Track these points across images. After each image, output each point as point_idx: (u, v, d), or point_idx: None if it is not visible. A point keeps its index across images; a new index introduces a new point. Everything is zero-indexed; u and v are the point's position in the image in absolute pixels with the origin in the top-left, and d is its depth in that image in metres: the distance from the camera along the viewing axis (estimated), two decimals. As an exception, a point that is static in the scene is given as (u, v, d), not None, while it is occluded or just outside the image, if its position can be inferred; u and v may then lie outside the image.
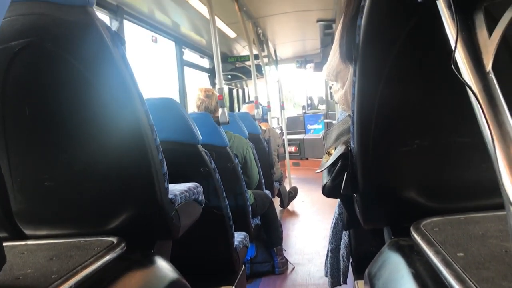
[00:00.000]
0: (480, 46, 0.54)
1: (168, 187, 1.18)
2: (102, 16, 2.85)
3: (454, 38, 0.55)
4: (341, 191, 1.07)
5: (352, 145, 1.05)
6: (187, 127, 1.85)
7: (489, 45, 0.53)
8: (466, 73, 0.53)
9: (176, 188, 1.32)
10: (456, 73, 0.55)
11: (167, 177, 1.17)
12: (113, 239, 1.06)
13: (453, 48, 0.55)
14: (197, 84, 5.49)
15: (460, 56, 0.55)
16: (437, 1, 0.59)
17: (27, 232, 1.16)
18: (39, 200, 1.13)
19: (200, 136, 1.89)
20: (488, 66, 0.52)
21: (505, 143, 0.47)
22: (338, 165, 1.10)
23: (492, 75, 0.52)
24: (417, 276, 0.78)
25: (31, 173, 1.10)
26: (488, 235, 0.80)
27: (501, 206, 0.48)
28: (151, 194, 1.11)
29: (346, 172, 1.07)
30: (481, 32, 0.54)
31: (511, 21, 0.50)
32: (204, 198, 1.52)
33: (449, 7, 0.57)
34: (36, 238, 1.15)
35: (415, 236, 0.86)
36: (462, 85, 0.54)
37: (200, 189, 1.49)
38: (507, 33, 0.52)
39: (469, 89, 0.53)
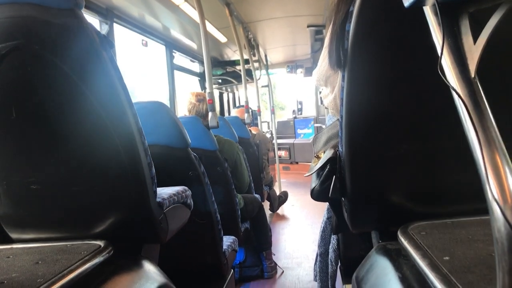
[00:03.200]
0: (465, 52, 0.54)
1: (156, 190, 1.17)
2: (92, 19, 2.84)
3: (440, 44, 0.55)
4: (329, 195, 1.08)
5: (340, 149, 1.05)
6: (176, 131, 1.84)
7: (474, 51, 0.53)
8: (452, 79, 0.54)
9: (164, 192, 1.31)
10: (443, 78, 0.55)
11: (155, 180, 1.17)
12: (100, 243, 1.06)
13: (439, 54, 0.55)
14: (188, 88, 5.49)
15: (446, 62, 0.55)
16: (423, 7, 0.59)
17: (13, 235, 1.15)
18: (26, 204, 1.12)
19: (189, 140, 1.89)
20: (473, 72, 0.53)
21: (490, 148, 0.48)
22: (327, 169, 1.11)
23: (477, 81, 0.53)
24: (403, 280, 0.79)
25: (17, 176, 1.09)
26: (475, 239, 0.81)
27: (487, 211, 0.48)
28: (139, 198, 1.11)
29: (334, 176, 1.07)
30: (467, 39, 0.55)
31: (496, 28, 0.51)
32: (192, 202, 1.51)
33: (435, 13, 0.57)
34: (22, 242, 1.13)
35: (402, 240, 0.87)
36: (449, 90, 0.54)
37: (189, 192, 1.49)
38: (494, 39, 0.53)
39: (456, 94, 0.53)
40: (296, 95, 9.77)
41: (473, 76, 0.53)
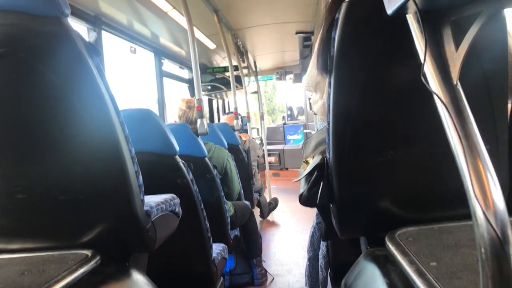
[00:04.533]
0: (447, 59, 0.55)
1: (143, 199, 1.17)
2: (80, 27, 2.82)
3: (423, 51, 0.56)
4: (317, 201, 1.08)
5: (328, 155, 1.06)
6: (164, 138, 1.83)
7: (456, 58, 0.54)
8: (435, 85, 0.55)
9: (152, 200, 1.30)
10: (426, 85, 0.56)
11: (143, 188, 1.16)
12: (88, 252, 1.04)
13: (422, 61, 0.56)
14: (178, 95, 5.48)
15: (429, 69, 0.56)
16: (406, 16, 0.60)
17: (-2, 246, 1.13)
18: (11, 213, 1.11)
19: (177, 147, 1.88)
20: (455, 78, 0.53)
21: (472, 154, 0.48)
22: (314, 175, 1.11)
23: (459, 87, 0.53)
24: (391, 286, 0.79)
25: (3, 185, 1.08)
26: (461, 244, 0.82)
27: None
28: (126, 206, 1.10)
29: (322, 182, 1.07)
30: (449, 46, 0.55)
31: (477, 36, 0.52)
32: (181, 210, 1.51)
33: (417, 21, 0.58)
34: (8, 252, 1.12)
35: (390, 246, 0.87)
36: (433, 96, 0.55)
37: (177, 200, 1.48)
38: (476, 47, 0.54)
39: (440, 100, 0.54)
40: (287, 100, 9.83)
41: (455, 82, 0.53)
